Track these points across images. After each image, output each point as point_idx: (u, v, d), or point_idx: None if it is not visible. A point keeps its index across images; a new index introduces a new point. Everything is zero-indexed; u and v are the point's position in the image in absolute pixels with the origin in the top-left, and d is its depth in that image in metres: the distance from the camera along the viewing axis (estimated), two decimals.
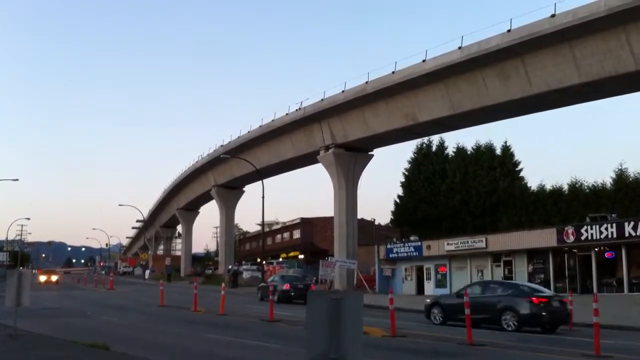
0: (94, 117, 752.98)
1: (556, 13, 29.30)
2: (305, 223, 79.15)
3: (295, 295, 33.80)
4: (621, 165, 58.09)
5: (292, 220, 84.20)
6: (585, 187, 59.45)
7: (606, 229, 37.17)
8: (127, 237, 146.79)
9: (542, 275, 41.69)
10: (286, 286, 34.50)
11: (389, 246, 51.09)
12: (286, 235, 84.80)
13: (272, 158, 53.42)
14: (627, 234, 36.08)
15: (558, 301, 20.94)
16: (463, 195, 60.91)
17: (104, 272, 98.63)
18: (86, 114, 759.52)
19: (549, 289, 40.25)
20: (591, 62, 29.46)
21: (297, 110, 47.07)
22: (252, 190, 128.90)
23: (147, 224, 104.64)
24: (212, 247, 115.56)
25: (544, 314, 20.02)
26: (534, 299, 20.36)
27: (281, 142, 51.48)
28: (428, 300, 25.35)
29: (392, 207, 68.03)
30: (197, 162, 70.08)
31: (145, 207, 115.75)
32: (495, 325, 20.66)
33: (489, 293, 22.23)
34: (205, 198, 77.28)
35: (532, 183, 65.53)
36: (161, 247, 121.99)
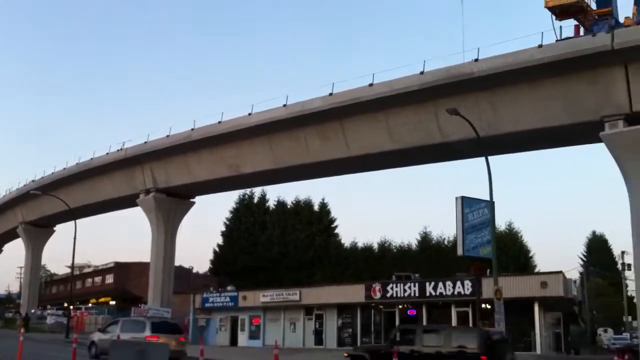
0: None
1: (374, 83, 31.34)
2: (120, 267, 75.96)
3: None
4: (425, 229, 62.62)
5: (106, 264, 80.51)
6: (394, 247, 63.05)
7: (409, 287, 39.51)
8: None
9: (350, 330, 43.21)
10: None
11: (205, 295, 50.46)
12: (98, 279, 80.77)
13: (89, 198, 51.14)
14: (427, 293, 38.59)
15: None
16: (281, 248, 62.00)
17: None
18: None
19: (356, 343, 41.87)
20: (403, 131, 31.68)
21: (118, 150, 45.72)
22: (64, 230, 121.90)
23: None
24: (15, 289, 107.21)
25: None
26: None
27: (100, 182, 49.54)
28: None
29: (211, 256, 67.56)
30: (4, 196, 65.35)
31: None
32: None
33: None
34: (10, 235, 71.86)
35: (346, 240, 68.34)
36: None
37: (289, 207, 67.10)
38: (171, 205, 45.80)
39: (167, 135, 42.06)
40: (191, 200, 47.11)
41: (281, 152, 36.82)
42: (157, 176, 44.63)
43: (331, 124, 33.95)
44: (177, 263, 49.85)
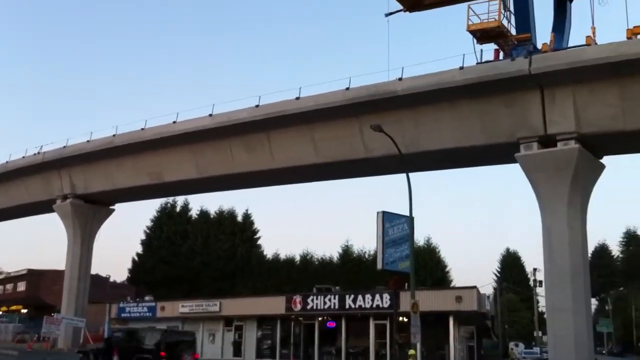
0: None
1: (301, 96, 31.61)
2: (33, 275, 73.17)
3: None
4: (347, 242, 63.46)
5: (18, 271, 77.47)
6: (316, 260, 63.50)
7: (330, 299, 39.92)
8: None
9: (270, 342, 43.21)
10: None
11: (121, 305, 49.39)
12: (9, 286, 77.60)
13: (2, 202, 49.27)
14: (347, 306, 39.09)
15: None
16: (203, 258, 61.42)
17: None
18: None
19: (275, 355, 41.87)
20: (328, 145, 32.04)
21: (35, 154, 44.28)
22: None
23: None
24: None
25: None
26: None
27: (14, 186, 47.80)
28: None
29: (130, 265, 66.16)
30: None
31: None
32: None
33: None
34: None
35: (269, 251, 68.34)
36: None
37: (212, 216, 66.53)
38: (89, 212, 44.65)
39: (88, 141, 41.04)
40: (110, 207, 46.07)
41: (206, 162, 36.55)
42: (75, 182, 43.44)
43: (257, 135, 33.99)
44: (93, 271, 48.60)
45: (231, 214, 66.21)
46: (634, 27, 26.03)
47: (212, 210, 67.53)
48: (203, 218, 66.15)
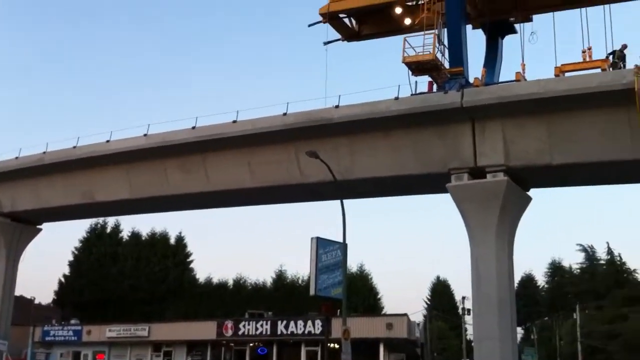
0: None
1: (238, 120, 31.62)
2: None
3: None
4: (281, 267, 63.39)
5: None
6: (249, 284, 63.09)
7: (262, 325, 39.66)
8: None
9: None
10: None
11: (46, 328, 47.80)
12: None
13: None
14: (279, 332, 38.92)
15: None
16: (134, 281, 60.12)
17: None
18: None
19: None
20: (264, 170, 32.08)
21: None
22: None
23: None
24: None
25: None
26: None
27: None
28: None
29: (56, 287, 64.17)
30: None
31: None
32: None
33: None
34: None
35: (201, 275, 67.48)
36: None
37: (144, 238, 65.34)
38: (15, 231, 43.18)
39: (16, 157, 39.88)
40: (38, 226, 44.71)
41: (140, 182, 35.98)
42: (2, 199, 42.04)
43: (193, 157, 33.74)
44: (17, 292, 46.92)
45: (164, 236, 65.21)
46: (562, 65, 27.23)
47: (144, 232, 66.42)
48: (134, 240, 64.90)
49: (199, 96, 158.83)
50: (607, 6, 29.34)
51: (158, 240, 64.67)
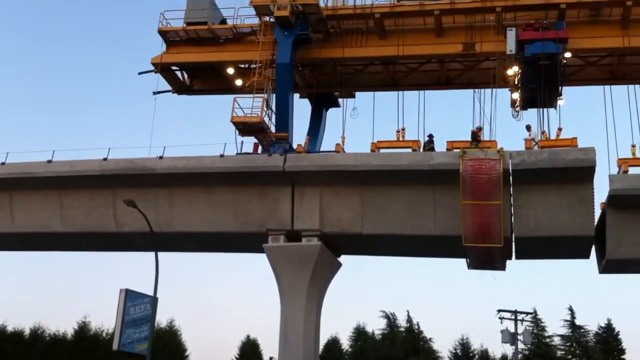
0: None
1: (53, 160, 30.18)
2: None
3: None
4: (85, 318, 60.06)
5: None
6: (47, 335, 59.02)
7: None
8: None
9: None
10: None
11: None
12: None
13: None
14: None
15: None
16: None
17: None
18: None
19: None
20: (77, 214, 30.67)
21: None
22: None
23: None
24: None
25: None
26: None
27: None
28: None
29: None
30: None
31: None
32: None
33: None
34: None
35: None
36: None
37: None
38: None
39: None
40: None
41: None
42: None
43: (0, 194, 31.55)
44: None
45: None
46: (378, 141, 29.09)
47: None
48: None
49: (13, 132, 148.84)
50: (421, 92, 32.20)
51: None
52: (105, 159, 29.77)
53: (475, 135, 27.60)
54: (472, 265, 28.06)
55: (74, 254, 36.86)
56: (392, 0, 30.29)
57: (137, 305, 29.84)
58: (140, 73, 33.48)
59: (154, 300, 28.06)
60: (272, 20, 30.50)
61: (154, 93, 33.67)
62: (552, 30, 27.90)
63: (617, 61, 30.83)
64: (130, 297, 29.50)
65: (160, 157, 29.11)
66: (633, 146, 27.47)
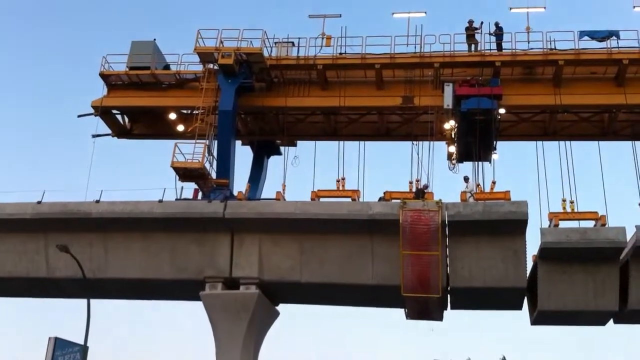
0: None
1: None
2: None
3: None
4: None
5: None
6: None
7: None
8: None
9: None
10: None
11: None
12: None
13: None
14: None
15: None
16: None
17: None
18: None
19: None
20: (5, 259, 29.63)
21: None
22: None
23: None
24: None
25: None
26: None
27: None
28: None
29: None
30: None
31: None
32: None
33: None
34: None
35: None
36: None
37: None
38: None
39: None
40: None
41: None
42: None
43: None
44: None
45: None
46: (318, 190, 29.30)
47: None
48: None
49: None
50: (361, 142, 32.72)
51: None
52: (39, 202, 29.04)
53: (422, 192, 28.00)
54: (410, 316, 28.26)
55: (3, 300, 35.13)
56: (335, 52, 30.97)
57: (66, 355, 28.62)
58: (79, 116, 33.02)
59: (84, 350, 27.14)
60: (216, 67, 30.75)
61: (93, 136, 33.18)
62: (488, 86, 28.97)
63: (549, 118, 32.07)
64: (59, 345, 28.33)
65: (97, 201, 28.56)
66: (564, 200, 28.42)
